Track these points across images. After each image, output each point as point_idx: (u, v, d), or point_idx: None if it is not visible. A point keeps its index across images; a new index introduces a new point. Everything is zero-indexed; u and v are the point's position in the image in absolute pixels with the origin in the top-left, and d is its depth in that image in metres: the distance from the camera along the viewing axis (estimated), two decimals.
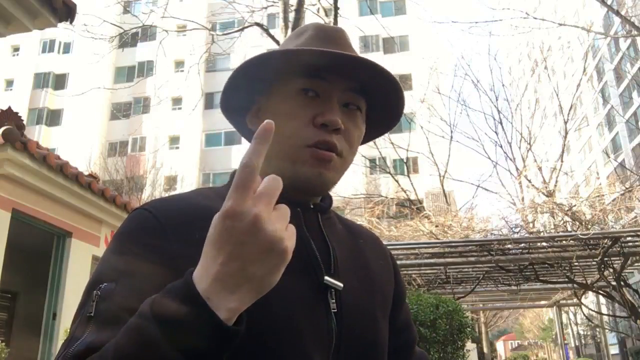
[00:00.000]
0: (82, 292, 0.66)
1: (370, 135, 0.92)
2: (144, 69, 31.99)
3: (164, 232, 0.68)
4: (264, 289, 0.54)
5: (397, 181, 15.57)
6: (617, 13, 11.25)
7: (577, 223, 8.28)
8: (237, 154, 28.89)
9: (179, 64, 30.18)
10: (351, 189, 14.77)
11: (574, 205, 9.16)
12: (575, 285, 8.14)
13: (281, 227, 0.53)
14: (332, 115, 0.77)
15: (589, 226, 7.70)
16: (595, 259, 6.55)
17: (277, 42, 7.43)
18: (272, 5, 8.37)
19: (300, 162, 0.77)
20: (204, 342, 0.51)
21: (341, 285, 0.74)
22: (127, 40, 10.44)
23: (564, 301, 12.80)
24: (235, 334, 0.52)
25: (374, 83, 0.81)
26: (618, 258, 6.68)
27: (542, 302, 14.01)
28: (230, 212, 0.52)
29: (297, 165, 0.76)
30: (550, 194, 12.05)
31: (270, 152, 0.78)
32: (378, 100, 0.85)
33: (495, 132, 15.97)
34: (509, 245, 6.58)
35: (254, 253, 0.52)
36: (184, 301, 0.51)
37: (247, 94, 0.85)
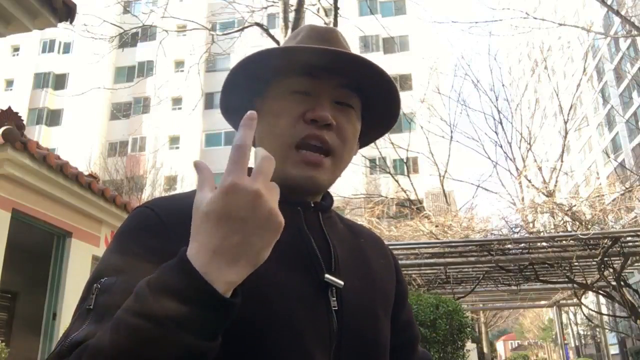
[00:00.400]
0: (83, 288, 0.67)
1: (369, 136, 0.93)
2: (144, 69, 31.99)
3: (166, 230, 0.69)
4: (258, 262, 0.56)
5: (397, 181, 15.57)
6: (617, 13, 11.25)
7: (577, 223, 8.29)
8: None
9: (179, 64, 30.19)
10: (351, 189, 14.77)
11: (574, 205, 9.16)
12: (575, 285, 8.14)
13: (276, 204, 0.55)
14: (322, 110, 0.77)
15: (589, 226, 7.70)
16: (595, 259, 6.55)
17: (277, 42, 7.43)
18: (272, 5, 8.37)
19: (290, 164, 0.77)
20: (202, 316, 0.52)
21: (342, 283, 0.75)
22: (127, 40, 10.45)
23: (564, 301, 12.80)
24: (233, 306, 0.54)
25: (368, 81, 0.82)
26: (618, 258, 6.68)
27: (542, 302, 14.01)
28: (232, 187, 0.53)
29: (287, 167, 0.77)
30: (550, 194, 12.05)
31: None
32: (374, 99, 0.86)
33: (495, 132, 16.00)
34: (509, 245, 6.58)
35: (253, 228, 0.54)
36: (181, 277, 0.52)
37: (245, 95, 0.86)
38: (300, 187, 0.78)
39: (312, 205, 0.82)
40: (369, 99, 0.85)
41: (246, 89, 0.84)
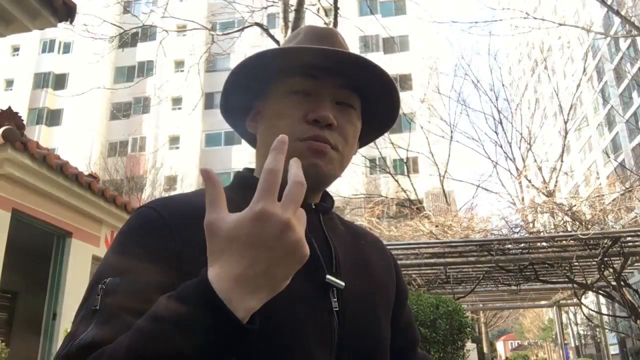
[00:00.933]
0: (86, 288, 0.66)
1: (368, 136, 0.93)
2: (144, 69, 31.99)
3: (169, 230, 0.68)
4: (278, 289, 0.55)
5: (397, 181, 15.57)
6: (617, 13, 11.25)
7: (577, 223, 8.27)
8: (237, 154, 28.87)
9: (179, 64, 30.15)
10: (351, 189, 14.76)
11: (574, 205, 9.15)
12: (575, 285, 8.14)
13: (303, 234, 0.55)
14: (323, 111, 0.78)
15: (589, 226, 7.68)
16: (595, 259, 6.54)
17: (277, 42, 7.43)
18: (272, 5, 8.37)
19: (296, 156, 0.77)
20: (220, 341, 0.52)
21: (343, 284, 0.75)
22: (127, 40, 10.43)
23: (564, 301, 12.79)
24: (251, 332, 0.53)
25: (368, 81, 0.82)
26: (618, 258, 6.67)
27: (542, 302, 14.01)
28: (262, 215, 0.52)
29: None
30: (550, 194, 12.06)
31: (267, 151, 0.79)
32: (373, 99, 0.86)
33: (495, 132, 16.04)
34: (509, 245, 6.58)
35: (278, 258, 0.53)
36: (201, 302, 0.51)
37: (245, 96, 0.85)
38: (305, 177, 0.78)
39: (313, 206, 0.82)
40: (369, 99, 0.85)
41: (247, 90, 0.84)
